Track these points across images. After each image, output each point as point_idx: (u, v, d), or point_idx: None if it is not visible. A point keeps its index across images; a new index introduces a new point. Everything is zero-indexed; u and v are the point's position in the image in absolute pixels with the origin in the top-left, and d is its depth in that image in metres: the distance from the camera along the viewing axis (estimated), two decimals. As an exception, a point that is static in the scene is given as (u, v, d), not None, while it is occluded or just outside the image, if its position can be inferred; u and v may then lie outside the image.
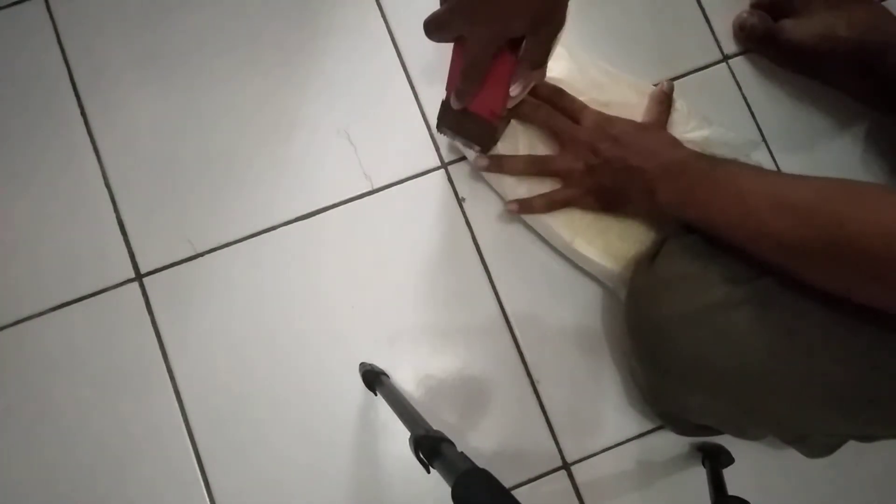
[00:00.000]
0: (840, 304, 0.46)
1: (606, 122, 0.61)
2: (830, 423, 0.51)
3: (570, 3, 0.54)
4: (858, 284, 0.44)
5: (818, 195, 0.46)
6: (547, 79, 0.67)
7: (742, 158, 0.68)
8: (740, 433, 0.60)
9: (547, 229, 0.66)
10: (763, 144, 0.70)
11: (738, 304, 0.49)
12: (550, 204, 0.63)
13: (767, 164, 0.71)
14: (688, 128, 0.66)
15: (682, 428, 0.64)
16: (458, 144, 0.66)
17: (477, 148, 0.64)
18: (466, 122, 0.60)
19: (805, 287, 0.47)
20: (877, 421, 0.49)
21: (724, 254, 0.52)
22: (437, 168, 0.69)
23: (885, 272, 0.41)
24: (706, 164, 0.54)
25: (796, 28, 0.69)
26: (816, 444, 0.56)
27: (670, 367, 0.54)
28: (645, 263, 0.59)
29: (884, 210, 0.41)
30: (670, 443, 0.66)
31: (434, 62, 0.71)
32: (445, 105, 0.60)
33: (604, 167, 0.60)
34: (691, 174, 0.54)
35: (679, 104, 0.67)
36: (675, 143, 0.59)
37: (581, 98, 0.67)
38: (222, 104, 0.69)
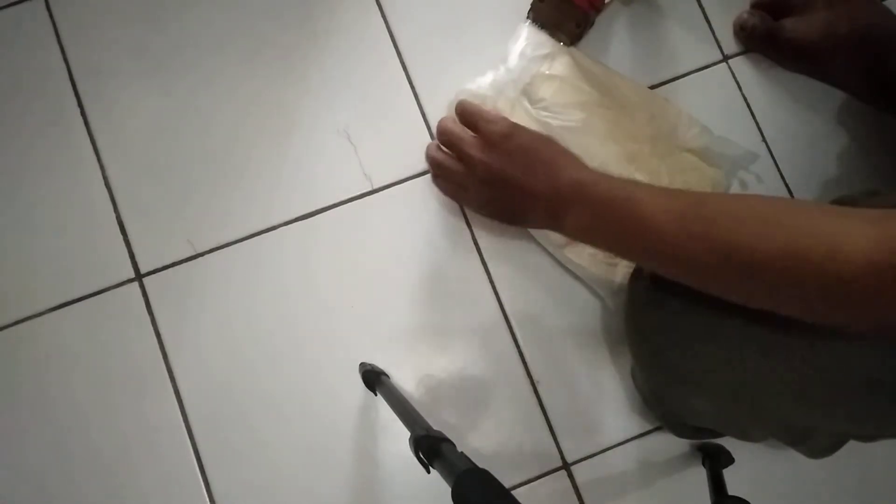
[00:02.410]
0: None
1: (504, 138, 0.57)
2: (831, 423, 0.51)
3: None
4: (762, 298, 0.42)
5: (730, 216, 0.43)
6: (548, 75, 0.67)
7: (741, 169, 0.68)
8: (742, 435, 0.60)
9: (538, 234, 0.66)
10: (761, 157, 0.70)
11: (729, 309, 0.49)
12: (449, 195, 0.66)
13: (768, 164, 0.71)
14: (688, 136, 0.67)
15: (682, 431, 0.64)
16: (545, 35, 0.68)
17: (566, 39, 0.68)
18: (563, 12, 0.66)
19: None
20: (878, 419, 0.49)
21: None
22: (438, 168, 0.69)
23: (790, 287, 0.39)
24: (608, 185, 0.51)
25: (797, 27, 0.69)
26: (818, 444, 0.56)
27: (669, 370, 0.54)
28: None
29: (780, 226, 0.40)
30: (670, 443, 0.66)
31: (434, 61, 0.71)
32: None
33: (500, 190, 0.57)
34: (595, 198, 0.51)
35: (680, 111, 0.67)
36: (575, 162, 0.55)
37: (583, 97, 0.67)
38: (222, 104, 0.69)
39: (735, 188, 0.69)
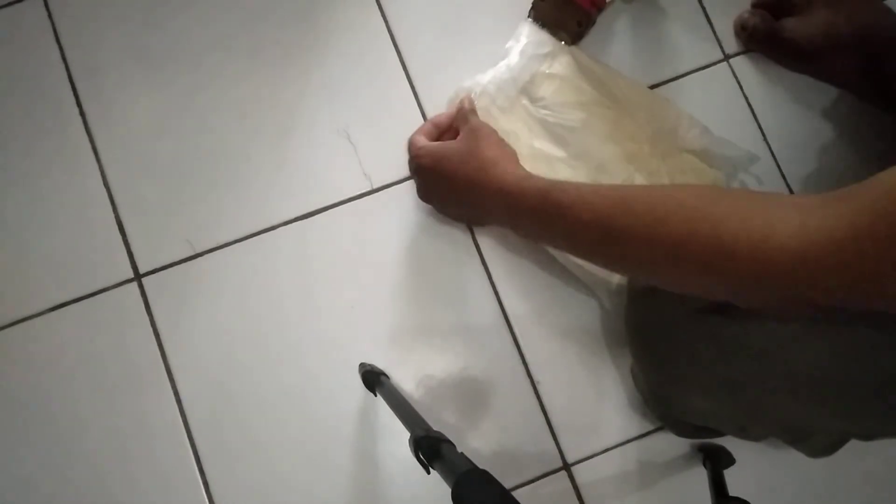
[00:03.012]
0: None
1: (441, 148, 0.62)
2: (829, 421, 0.51)
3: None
4: (691, 287, 0.43)
5: (664, 204, 0.44)
6: (549, 74, 0.67)
7: (741, 171, 0.68)
8: (742, 434, 0.60)
9: None
10: (762, 157, 0.70)
11: (729, 306, 0.49)
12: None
13: (768, 163, 0.71)
14: (689, 136, 0.66)
15: (682, 430, 0.64)
16: (546, 34, 0.68)
17: (567, 38, 0.68)
18: (564, 11, 0.67)
19: None
20: (877, 418, 0.49)
21: None
22: (437, 168, 0.69)
23: (717, 263, 0.40)
24: (531, 183, 0.53)
25: (798, 27, 0.69)
26: (818, 443, 0.56)
27: (669, 368, 0.54)
28: None
29: (746, 213, 0.40)
30: (671, 443, 0.66)
31: (434, 61, 0.71)
32: None
33: (439, 195, 0.64)
34: (519, 195, 0.53)
35: (681, 111, 0.67)
36: (502, 163, 0.57)
37: (583, 97, 0.67)
38: (222, 104, 0.69)
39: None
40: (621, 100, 0.67)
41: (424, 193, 0.66)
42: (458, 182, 0.60)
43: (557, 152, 0.66)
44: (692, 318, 0.51)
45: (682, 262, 0.42)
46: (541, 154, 0.66)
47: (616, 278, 0.64)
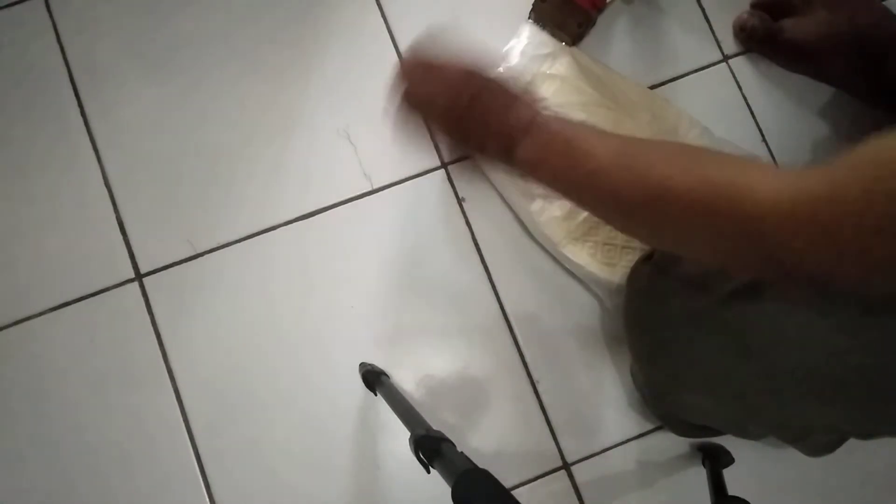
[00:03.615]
0: (832, 298, 0.46)
1: (468, 74, 0.56)
2: (828, 420, 0.51)
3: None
4: (708, 245, 0.43)
5: (658, 152, 0.46)
6: (549, 74, 0.67)
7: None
8: (741, 432, 0.60)
9: (537, 232, 0.66)
10: (761, 158, 0.70)
11: (729, 302, 0.49)
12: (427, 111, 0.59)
13: (768, 162, 0.71)
14: (689, 137, 0.67)
15: (681, 429, 0.64)
16: (547, 35, 0.68)
17: (568, 38, 0.68)
18: (565, 11, 0.67)
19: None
20: (874, 417, 0.49)
21: None
22: (437, 168, 0.69)
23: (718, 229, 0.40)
24: (558, 126, 0.53)
25: (797, 28, 0.69)
26: (816, 442, 0.56)
27: (668, 366, 0.54)
28: (641, 263, 0.59)
29: (729, 171, 0.41)
30: (670, 443, 0.66)
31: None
32: None
33: (458, 127, 0.57)
34: (543, 134, 0.53)
35: (681, 112, 0.67)
36: (529, 102, 0.56)
37: (583, 97, 0.67)
38: (222, 104, 0.69)
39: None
40: (621, 100, 0.68)
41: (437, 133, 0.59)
42: (469, 127, 0.56)
43: None
44: (691, 315, 0.51)
45: (663, 209, 0.43)
46: None
47: (616, 277, 0.64)
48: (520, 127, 0.54)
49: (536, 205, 0.66)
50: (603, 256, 0.65)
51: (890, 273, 0.35)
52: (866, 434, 0.53)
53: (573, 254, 0.65)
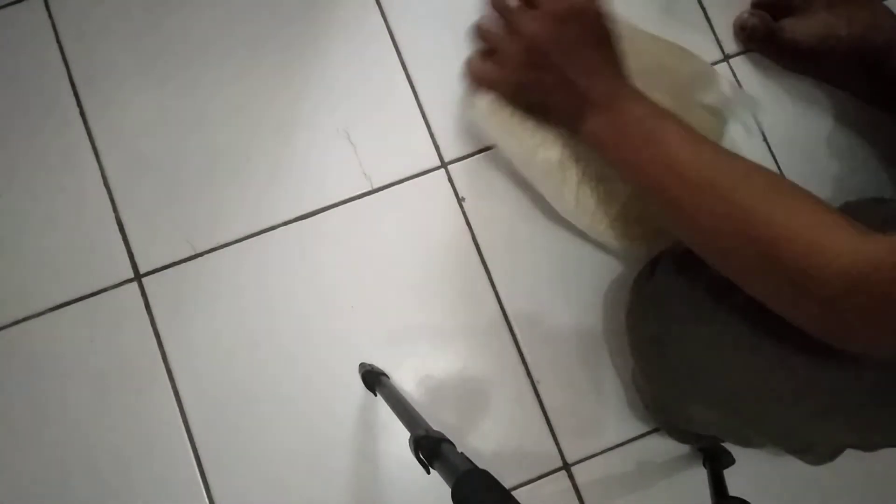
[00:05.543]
0: None
1: (560, 24, 0.52)
2: (831, 433, 0.51)
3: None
4: (762, 285, 0.43)
5: (746, 184, 0.43)
6: None
7: (741, 115, 0.66)
8: (743, 442, 0.60)
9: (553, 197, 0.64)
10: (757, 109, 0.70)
11: (730, 320, 0.49)
12: (480, 79, 0.57)
13: (768, 163, 0.71)
14: (705, 92, 0.63)
15: (683, 437, 0.64)
16: None
17: None
18: None
19: None
20: (879, 430, 0.49)
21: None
22: (437, 168, 0.69)
23: (794, 281, 0.39)
24: (643, 110, 0.49)
25: (797, 27, 0.69)
26: (819, 453, 0.56)
27: (671, 377, 0.54)
28: (646, 271, 0.59)
29: (806, 220, 0.40)
30: (671, 444, 0.66)
31: (433, 60, 0.71)
32: None
33: (539, 70, 0.53)
34: (625, 115, 0.49)
35: (698, 64, 0.65)
36: (620, 73, 0.53)
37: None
38: (221, 104, 0.69)
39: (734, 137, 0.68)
40: (641, 53, 0.61)
41: (503, 85, 0.56)
42: (543, 80, 0.53)
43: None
44: (696, 330, 0.51)
45: (735, 240, 0.42)
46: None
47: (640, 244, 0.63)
48: (600, 96, 0.50)
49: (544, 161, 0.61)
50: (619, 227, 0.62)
51: None
52: (870, 446, 0.53)
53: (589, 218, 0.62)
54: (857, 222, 0.39)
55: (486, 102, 0.58)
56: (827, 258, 0.37)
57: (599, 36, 0.53)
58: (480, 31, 0.57)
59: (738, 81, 0.73)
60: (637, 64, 0.60)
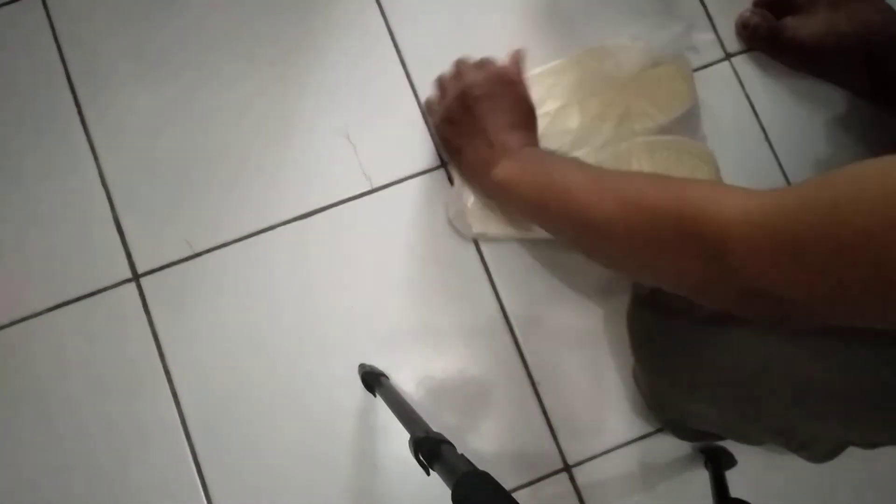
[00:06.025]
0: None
1: (492, 83, 0.62)
2: (832, 430, 0.51)
3: (572, 5, 0.60)
4: (669, 267, 0.44)
5: (634, 182, 0.47)
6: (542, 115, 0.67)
7: (685, 48, 0.70)
8: (743, 439, 0.60)
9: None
10: (761, 148, 0.70)
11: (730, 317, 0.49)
12: (427, 104, 0.69)
13: (770, 161, 0.71)
14: (632, 62, 0.68)
15: (684, 434, 0.64)
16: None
17: None
18: None
19: None
20: (880, 427, 0.49)
21: None
22: (437, 167, 0.69)
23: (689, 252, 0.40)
24: (543, 154, 0.58)
25: (799, 26, 0.69)
26: (819, 450, 0.56)
27: (673, 375, 0.54)
28: None
29: (692, 194, 0.41)
30: (672, 445, 0.66)
31: (434, 61, 0.71)
32: None
33: (465, 113, 0.62)
34: (527, 157, 0.56)
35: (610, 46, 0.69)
36: (532, 136, 0.61)
37: (572, 111, 0.67)
38: (221, 104, 0.69)
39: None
40: (594, 78, 0.68)
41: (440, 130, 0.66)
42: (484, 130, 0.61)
43: None
44: (697, 326, 0.51)
45: (632, 226, 0.44)
46: None
47: None
48: (509, 149, 0.57)
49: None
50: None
51: (848, 303, 0.33)
52: (871, 444, 0.53)
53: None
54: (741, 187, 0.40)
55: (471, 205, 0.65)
56: (717, 216, 0.38)
57: (520, 102, 0.62)
58: (440, 78, 0.68)
59: (739, 80, 0.72)
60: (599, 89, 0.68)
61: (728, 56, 0.73)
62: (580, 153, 0.65)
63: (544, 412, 0.66)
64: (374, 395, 0.61)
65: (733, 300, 0.40)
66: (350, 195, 0.68)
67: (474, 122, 0.61)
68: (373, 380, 0.61)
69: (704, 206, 0.39)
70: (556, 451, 0.65)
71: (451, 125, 0.63)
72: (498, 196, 0.60)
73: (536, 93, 0.66)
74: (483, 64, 0.64)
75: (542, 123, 0.65)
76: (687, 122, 0.68)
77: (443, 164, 0.69)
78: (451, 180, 0.69)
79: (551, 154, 0.58)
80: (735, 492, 0.58)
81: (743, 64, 0.73)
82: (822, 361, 0.47)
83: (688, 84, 0.68)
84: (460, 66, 0.65)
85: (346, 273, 0.67)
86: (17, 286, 0.65)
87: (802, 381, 0.47)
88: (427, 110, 0.69)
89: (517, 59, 0.65)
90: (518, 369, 0.66)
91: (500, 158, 0.57)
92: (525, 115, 0.62)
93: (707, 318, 0.50)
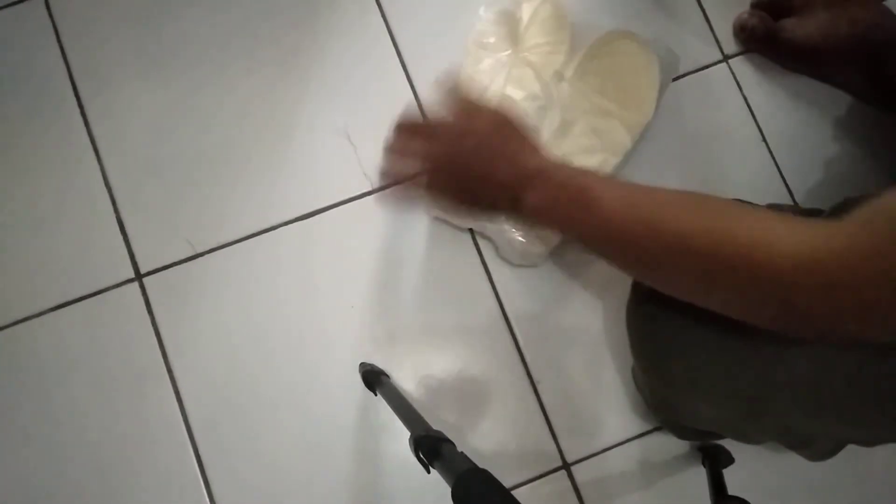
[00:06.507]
0: None
1: (462, 135, 0.54)
2: (831, 429, 0.51)
3: (570, 9, 0.58)
4: (719, 297, 0.44)
5: (673, 210, 0.45)
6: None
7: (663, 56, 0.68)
8: (742, 438, 0.60)
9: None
10: (758, 150, 0.70)
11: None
12: (408, 196, 0.56)
13: (767, 163, 0.71)
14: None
15: (683, 433, 0.64)
16: None
17: None
18: None
19: None
20: (879, 425, 0.49)
21: None
22: (438, 168, 0.69)
23: (737, 281, 0.40)
24: (565, 174, 0.52)
25: (797, 28, 0.69)
26: (818, 449, 0.56)
27: (672, 374, 0.54)
28: None
29: (739, 223, 0.41)
30: (670, 443, 0.66)
31: (434, 61, 0.71)
32: None
33: (463, 170, 0.54)
34: (551, 183, 0.51)
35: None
36: (534, 150, 0.54)
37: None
38: (223, 104, 0.69)
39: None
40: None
41: (438, 196, 0.56)
42: (474, 179, 0.53)
43: (519, 94, 0.66)
44: (697, 326, 0.51)
45: (679, 264, 0.43)
46: (509, 99, 0.66)
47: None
48: (527, 175, 0.52)
49: None
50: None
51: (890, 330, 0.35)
52: (869, 442, 0.53)
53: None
54: (787, 213, 0.40)
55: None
56: (768, 249, 0.38)
57: (508, 129, 0.54)
58: (388, 167, 0.56)
59: (737, 82, 0.73)
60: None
61: (726, 58, 0.73)
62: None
63: (543, 411, 0.66)
64: (375, 394, 0.62)
65: (781, 324, 0.41)
66: (351, 195, 0.68)
67: (480, 181, 0.53)
68: (373, 378, 0.61)
69: (754, 249, 0.39)
70: (556, 449, 0.66)
71: (461, 200, 0.55)
72: (538, 225, 0.58)
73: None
74: (436, 126, 0.55)
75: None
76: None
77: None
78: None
79: (568, 170, 0.52)
80: (733, 490, 0.58)
81: (740, 65, 0.73)
82: (821, 361, 0.47)
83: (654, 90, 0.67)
84: (420, 129, 0.56)
85: (347, 273, 0.67)
86: (20, 286, 0.66)
87: (802, 381, 0.47)
88: (385, 179, 0.59)
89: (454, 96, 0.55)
90: (517, 368, 0.66)
91: (522, 192, 0.51)
92: (518, 135, 0.55)
93: (705, 320, 0.50)
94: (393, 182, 0.57)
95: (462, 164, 0.54)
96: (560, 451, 0.66)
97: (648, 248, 0.45)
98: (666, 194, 0.47)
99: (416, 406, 0.55)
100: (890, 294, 0.34)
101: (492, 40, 0.68)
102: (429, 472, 0.46)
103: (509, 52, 0.67)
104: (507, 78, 0.65)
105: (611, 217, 0.47)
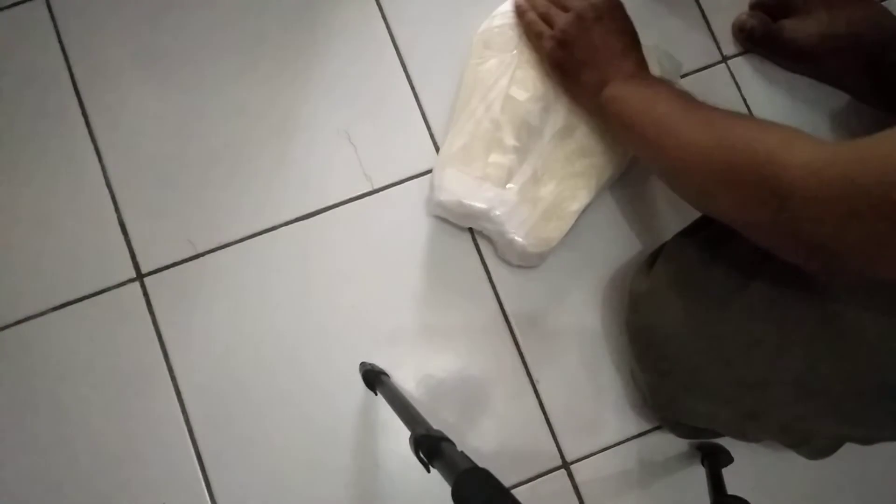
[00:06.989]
0: (835, 315, 0.46)
1: (594, 21, 0.62)
2: (829, 426, 0.51)
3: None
4: (729, 199, 0.46)
5: (713, 121, 0.49)
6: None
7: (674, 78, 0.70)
8: (741, 436, 0.60)
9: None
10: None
11: (729, 317, 0.49)
12: (529, 24, 0.66)
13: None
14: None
15: (682, 431, 0.64)
16: None
17: None
18: None
19: (794, 290, 0.48)
20: (878, 424, 0.49)
21: (718, 259, 0.52)
22: (438, 168, 0.69)
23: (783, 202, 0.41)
24: (649, 79, 0.60)
25: (796, 28, 0.69)
26: (817, 447, 0.57)
27: (670, 373, 0.54)
28: (644, 268, 0.59)
29: (765, 136, 0.43)
30: (670, 442, 0.66)
31: (434, 62, 0.71)
32: None
33: (575, 44, 0.62)
34: (634, 80, 0.59)
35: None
36: (637, 46, 0.63)
37: None
38: (223, 104, 0.70)
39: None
40: None
41: (553, 64, 0.65)
42: (588, 64, 0.62)
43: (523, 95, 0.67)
44: (695, 323, 0.51)
45: (705, 168, 0.47)
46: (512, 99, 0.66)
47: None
48: (623, 73, 0.60)
49: None
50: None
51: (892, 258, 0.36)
52: (867, 440, 0.54)
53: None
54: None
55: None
56: (785, 162, 0.40)
57: (628, 26, 0.63)
58: (536, 5, 0.67)
59: (736, 82, 0.73)
60: None
61: (725, 58, 0.73)
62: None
63: (543, 410, 0.66)
64: (375, 393, 0.62)
65: (790, 246, 0.42)
66: (351, 196, 0.69)
67: (590, 45, 0.61)
68: (373, 378, 0.61)
69: (778, 151, 0.41)
70: (555, 448, 0.66)
71: (566, 49, 0.63)
72: (602, 116, 0.62)
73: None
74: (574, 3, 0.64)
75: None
76: None
77: (443, 165, 0.69)
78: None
79: (661, 82, 0.59)
80: (732, 489, 0.58)
81: (739, 66, 0.73)
82: (821, 360, 0.47)
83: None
84: (552, 11, 0.65)
85: (348, 273, 0.67)
86: (21, 286, 0.66)
87: (801, 380, 0.48)
88: (528, 34, 0.67)
89: None
90: (517, 367, 0.67)
91: (612, 79, 0.59)
92: (634, 39, 0.62)
93: (697, 321, 0.51)
94: (521, 15, 0.67)
95: (585, 48, 0.62)
96: (560, 451, 0.66)
97: (694, 140, 0.49)
98: (713, 109, 0.52)
99: (416, 405, 0.55)
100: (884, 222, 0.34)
101: (497, 40, 0.68)
102: (429, 471, 0.46)
103: (514, 52, 0.67)
104: (511, 78, 0.65)
105: (669, 113, 0.52)
